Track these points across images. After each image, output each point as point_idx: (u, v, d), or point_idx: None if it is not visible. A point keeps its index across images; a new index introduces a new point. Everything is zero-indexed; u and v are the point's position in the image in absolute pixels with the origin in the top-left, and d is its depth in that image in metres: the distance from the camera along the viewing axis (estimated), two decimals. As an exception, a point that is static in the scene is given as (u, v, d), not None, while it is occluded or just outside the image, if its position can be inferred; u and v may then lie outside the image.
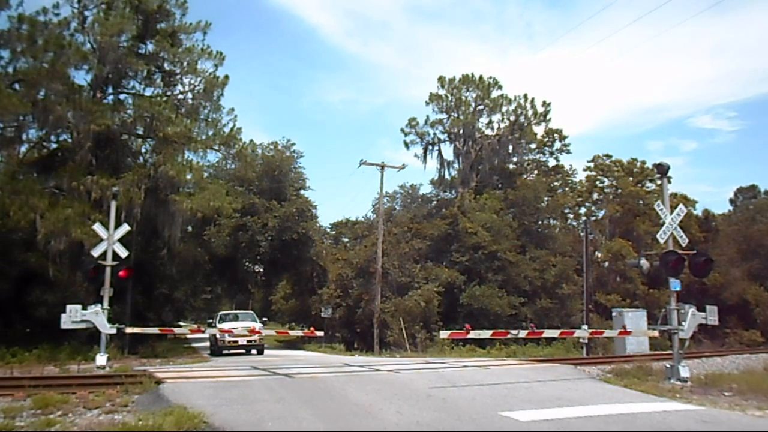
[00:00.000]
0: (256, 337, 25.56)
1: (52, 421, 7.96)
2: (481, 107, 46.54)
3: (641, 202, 46.88)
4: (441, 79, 46.61)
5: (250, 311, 33.02)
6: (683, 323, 13.18)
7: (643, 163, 49.44)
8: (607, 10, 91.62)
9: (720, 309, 14.54)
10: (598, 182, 49.97)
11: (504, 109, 46.25)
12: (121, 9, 26.36)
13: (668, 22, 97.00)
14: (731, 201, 65.32)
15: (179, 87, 29.44)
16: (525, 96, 46.30)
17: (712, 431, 7.35)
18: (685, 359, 13.72)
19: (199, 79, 28.89)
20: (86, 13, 26.72)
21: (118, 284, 17.73)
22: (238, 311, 33.16)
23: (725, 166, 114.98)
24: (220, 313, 30.14)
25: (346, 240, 51.94)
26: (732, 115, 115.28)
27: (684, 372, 12.76)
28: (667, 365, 13.27)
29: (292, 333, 37.70)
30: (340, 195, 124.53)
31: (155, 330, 21.61)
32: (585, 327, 23.88)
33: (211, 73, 28.90)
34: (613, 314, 29.18)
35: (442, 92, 46.49)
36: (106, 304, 16.18)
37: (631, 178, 48.90)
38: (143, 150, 29.38)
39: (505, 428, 7.48)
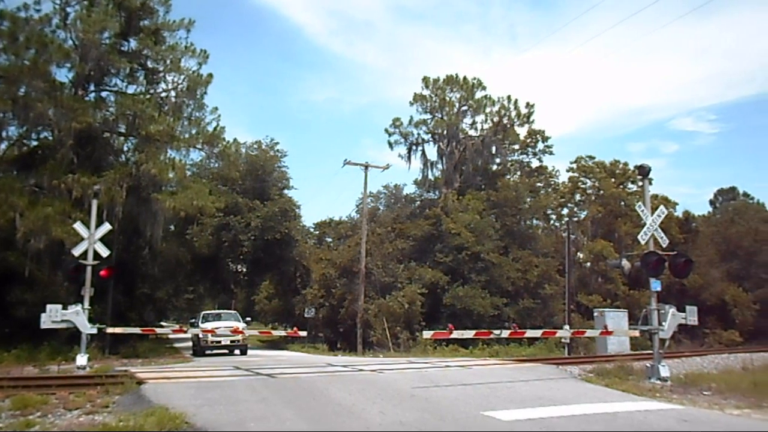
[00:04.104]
0: (239, 337, 25.47)
1: (32, 422, 7.88)
2: (465, 108, 46.64)
3: (623, 203, 47.26)
4: (425, 80, 46.68)
5: (233, 311, 32.89)
6: (663, 323, 13.34)
7: (625, 164, 49.85)
8: (590, 12, 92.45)
9: (699, 309, 14.72)
10: (580, 183, 50.25)
11: (488, 110, 46.39)
12: (104, 6, 26.12)
13: (651, 25, 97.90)
14: (711, 202, 66.27)
15: (162, 85, 29.24)
16: (508, 97, 46.53)
17: (692, 430, 7.44)
18: (666, 359, 13.87)
19: (182, 77, 28.70)
20: (68, 9, 26.45)
21: (99, 284, 17.53)
22: (221, 311, 33.03)
23: (705, 168, 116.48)
24: (203, 312, 30.01)
25: (329, 240, 51.86)
26: (712, 117, 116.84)
27: (664, 371, 12.90)
28: (648, 365, 13.41)
29: (275, 333, 37.59)
30: (323, 195, 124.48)
31: (137, 330, 21.43)
32: (567, 327, 24.06)
33: (195, 71, 28.73)
34: (595, 314, 29.42)
35: (426, 92, 46.57)
36: (86, 304, 16.02)
37: (613, 180, 49.26)
38: (125, 148, 29.15)
39: (488, 428, 7.52)
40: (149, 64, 28.73)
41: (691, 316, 13.70)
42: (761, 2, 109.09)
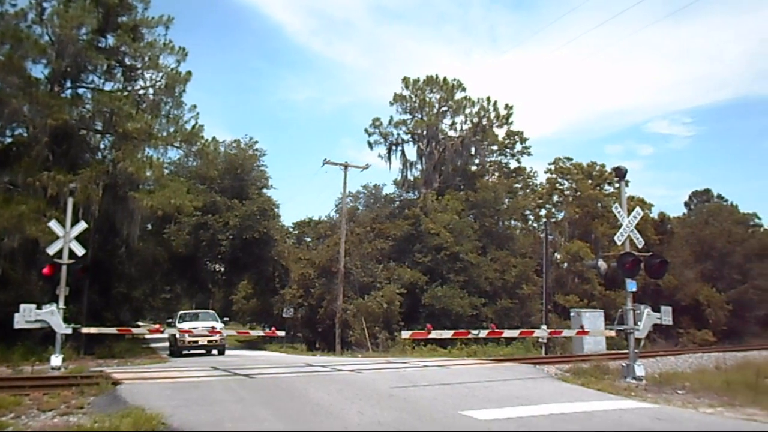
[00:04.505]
0: (216, 337, 25.33)
1: (4, 423, 7.78)
2: (445, 108, 46.83)
3: (600, 204, 47.76)
4: (405, 80, 46.78)
5: (211, 311, 32.67)
6: (639, 323, 13.53)
7: (602, 166, 50.40)
8: (570, 15, 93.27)
9: (674, 309, 14.96)
10: (558, 185, 50.73)
11: (467, 110, 46.66)
12: (81, 1, 25.76)
13: (629, 28, 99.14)
14: (686, 204, 67.07)
15: (140, 82, 28.98)
16: (488, 98, 46.83)
17: (665, 429, 7.55)
18: (641, 358, 14.07)
19: (160, 74, 28.47)
20: (44, 4, 26.06)
21: (74, 283, 17.32)
22: (198, 311, 32.78)
23: (681, 170, 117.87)
24: (180, 312, 29.75)
25: (308, 240, 51.68)
26: (688, 120, 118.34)
27: (639, 371, 13.09)
28: (623, 364, 13.59)
29: (254, 333, 37.36)
30: (303, 194, 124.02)
31: (113, 330, 21.19)
32: (544, 327, 24.24)
33: (174, 68, 28.50)
34: (572, 314, 29.67)
35: (406, 93, 46.68)
36: (61, 304, 15.81)
37: (590, 181, 49.77)
38: (102, 146, 28.80)
39: (466, 427, 7.57)
40: (127, 60, 28.42)
41: (666, 316, 13.92)
42: (737, 8, 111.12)
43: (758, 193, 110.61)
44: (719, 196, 64.65)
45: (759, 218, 61.53)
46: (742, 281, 50.47)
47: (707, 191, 65.88)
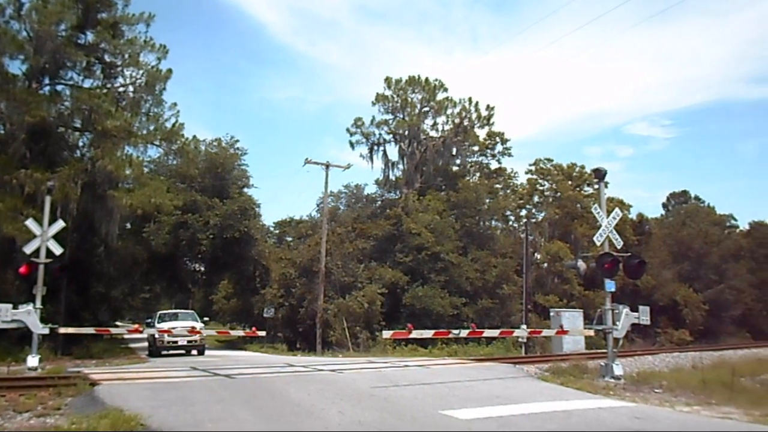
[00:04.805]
0: (196, 337, 25.15)
1: (-20, 424, 7.68)
2: (427, 109, 46.94)
3: (579, 205, 48.14)
4: (387, 80, 46.84)
5: (191, 311, 32.44)
6: (617, 323, 13.68)
7: (582, 167, 50.83)
8: (551, 17, 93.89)
9: (652, 309, 15.14)
10: (538, 185, 51.07)
11: (449, 111, 46.83)
12: (60, -4, 25.51)
13: (610, 31, 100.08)
14: (664, 205, 67.89)
15: (120, 79, 28.75)
16: (469, 99, 47.02)
17: (643, 427, 7.64)
18: (619, 358, 14.24)
19: (140, 72, 28.25)
20: (23, 0, 25.76)
21: (51, 282, 17.10)
22: (178, 311, 32.50)
23: (659, 171, 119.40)
24: (160, 312, 29.50)
25: (289, 239, 51.50)
26: (666, 123, 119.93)
27: (618, 370, 13.24)
28: (602, 363, 13.73)
29: (234, 333, 37.15)
30: (284, 194, 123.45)
31: (91, 330, 20.97)
32: (524, 326, 24.38)
33: (154, 66, 28.30)
34: (551, 314, 29.90)
35: (388, 93, 46.74)
36: (38, 303, 15.61)
37: (570, 182, 50.18)
38: (81, 144, 28.51)
39: (446, 427, 7.61)
40: (107, 57, 28.17)
41: (644, 315, 14.08)
42: (716, 12, 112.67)
43: (734, 194, 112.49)
44: (696, 198, 65.64)
45: (735, 219, 62.70)
46: (719, 281, 51.19)
47: (685, 193, 66.80)
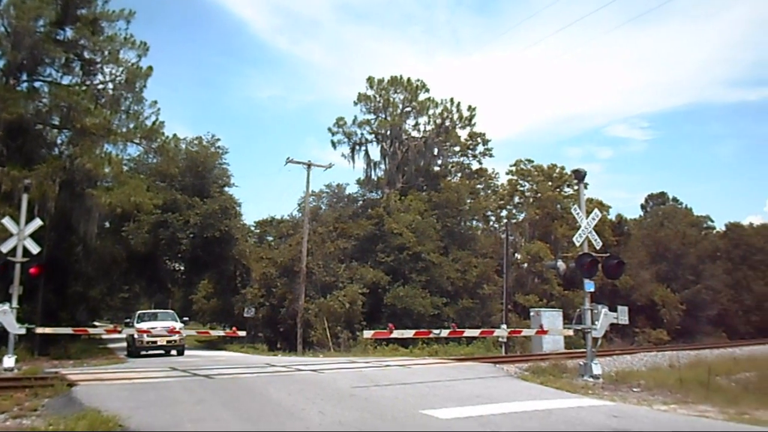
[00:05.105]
0: (176, 337, 24.97)
1: (-46, 426, 7.57)
2: (409, 109, 47.01)
3: (559, 206, 48.53)
4: (370, 80, 46.86)
5: (170, 310, 32.17)
6: (596, 323, 13.80)
7: (562, 168, 51.18)
8: (532, 19, 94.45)
9: (630, 309, 15.32)
10: (519, 186, 51.38)
11: (430, 111, 46.93)
12: (39, -8, 25.20)
13: (590, 33, 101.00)
14: (642, 207, 68.53)
15: (99, 76, 28.48)
16: (451, 100, 47.17)
17: (621, 426, 7.73)
18: (598, 357, 14.36)
19: (120, 69, 28.01)
20: (0, -6, 25.42)
21: (28, 282, 16.94)
22: (157, 310, 32.22)
23: (637, 173, 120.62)
24: (139, 312, 29.23)
25: (270, 239, 51.25)
26: (645, 125, 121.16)
27: (596, 369, 13.35)
28: (581, 363, 13.85)
29: (214, 333, 36.91)
30: (265, 193, 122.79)
31: (68, 330, 20.70)
32: (504, 326, 24.50)
33: (134, 63, 28.10)
34: (531, 314, 30.09)
35: (370, 93, 46.76)
36: (15, 303, 15.42)
37: (550, 183, 50.54)
38: (59, 141, 28.20)
39: (427, 426, 7.64)
40: (86, 54, 27.89)
41: (623, 315, 14.23)
42: (694, 16, 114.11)
43: (711, 196, 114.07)
44: (674, 199, 66.43)
45: (712, 221, 63.61)
46: (696, 282, 51.89)
47: (663, 194, 67.54)
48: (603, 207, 48.86)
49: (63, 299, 29.69)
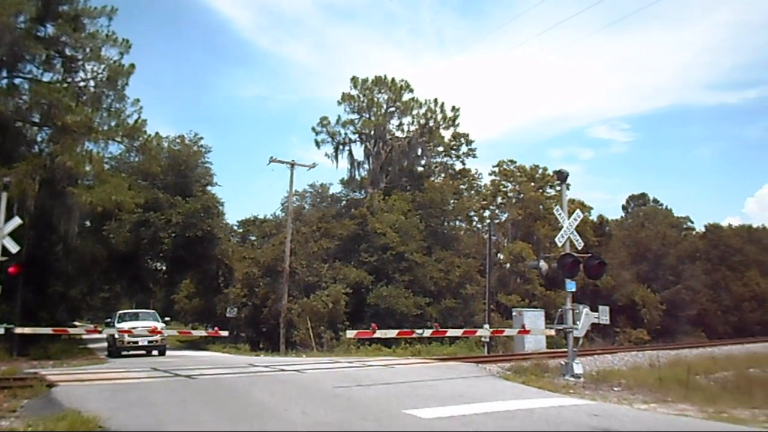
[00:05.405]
0: (157, 337, 24.78)
1: (-69, 428, 7.46)
2: (393, 109, 47.01)
3: (541, 206, 48.80)
4: (354, 80, 46.77)
5: (152, 310, 31.95)
6: (578, 322, 13.93)
7: (545, 169, 51.54)
8: (515, 22, 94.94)
9: (611, 309, 15.50)
10: (502, 187, 51.61)
11: (414, 112, 46.92)
12: (19, -12, 24.89)
13: (573, 36, 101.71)
14: (623, 207, 69.13)
15: (81, 74, 28.18)
16: (435, 100, 47.22)
17: (601, 424, 7.81)
18: (579, 357, 14.50)
19: (102, 66, 27.75)
20: (-21, -10, 25.06)
21: (7, 281, 16.76)
22: (138, 310, 31.96)
23: (619, 174, 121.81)
24: (119, 312, 28.99)
25: (253, 238, 51.01)
26: (626, 127, 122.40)
27: (578, 369, 13.47)
28: (563, 362, 13.96)
29: (196, 333, 36.66)
30: (248, 192, 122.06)
31: (48, 330, 20.55)
32: (487, 326, 24.68)
33: (116, 61, 27.82)
34: (513, 314, 30.28)
35: (354, 92, 46.65)
36: (-7, 303, 15.25)
37: (532, 184, 50.84)
38: (39, 139, 27.90)
39: (409, 426, 7.66)
40: (67, 51, 27.58)
41: (604, 315, 14.38)
42: (674, 19, 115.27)
43: (691, 197, 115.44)
44: (655, 200, 67.08)
45: (691, 222, 64.38)
46: (675, 282, 52.47)
47: (643, 195, 68.18)
48: (585, 208, 49.26)
49: (43, 299, 29.37)
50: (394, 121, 47.42)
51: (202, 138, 42.98)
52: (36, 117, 26.45)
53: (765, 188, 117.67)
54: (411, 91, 46.91)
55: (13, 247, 16.21)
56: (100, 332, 23.47)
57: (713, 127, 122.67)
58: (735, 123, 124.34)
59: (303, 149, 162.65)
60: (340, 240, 40.18)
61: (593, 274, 14.94)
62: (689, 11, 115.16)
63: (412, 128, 46.98)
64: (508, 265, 46.28)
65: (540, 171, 51.79)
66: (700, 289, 52.92)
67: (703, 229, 61.76)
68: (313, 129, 46.95)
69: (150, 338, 24.65)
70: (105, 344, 28.55)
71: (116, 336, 24.33)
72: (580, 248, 14.37)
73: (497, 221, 50.38)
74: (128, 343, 24.36)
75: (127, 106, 28.39)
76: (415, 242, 39.18)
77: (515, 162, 52.40)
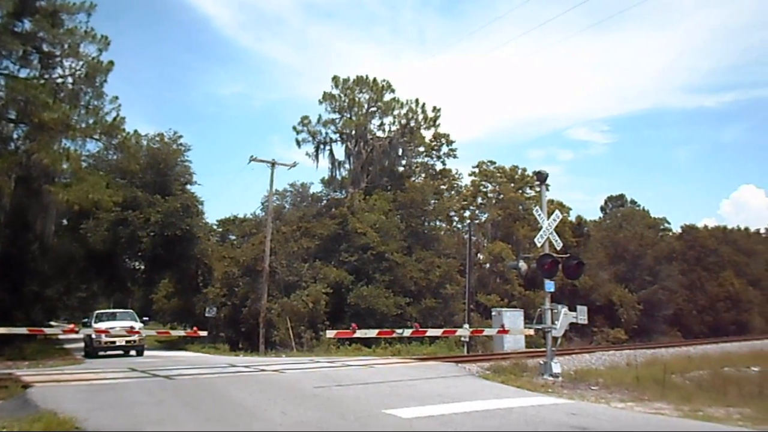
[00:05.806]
0: (135, 337, 24.57)
1: None
2: (374, 109, 47.01)
3: (521, 207, 49.14)
4: (335, 79, 46.69)
5: (130, 310, 31.67)
6: (556, 322, 14.06)
7: (524, 170, 51.86)
8: (496, 23, 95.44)
9: (589, 309, 15.64)
10: (482, 187, 51.87)
11: (395, 112, 46.95)
12: (-5, -17, 24.54)
13: (553, 37, 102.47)
14: (602, 208, 69.79)
15: (58, 70, 27.82)
16: (416, 100, 47.29)
17: (579, 423, 7.89)
18: (558, 356, 14.62)
19: (80, 63, 27.42)
20: (-47, -16, 24.66)
21: (-19, 280, 16.50)
22: (116, 310, 31.69)
23: (597, 175, 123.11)
24: (97, 312, 28.71)
25: (233, 238, 50.77)
26: (605, 128, 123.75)
27: (556, 368, 13.60)
28: (541, 362, 14.08)
29: (174, 333, 36.37)
30: (228, 191, 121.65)
31: (23, 330, 20.09)
32: (466, 326, 24.82)
33: (95, 57, 27.49)
34: (493, 314, 30.41)
35: (335, 92, 46.57)
36: (-33, 302, 15.01)
37: (512, 185, 51.15)
38: (15, 136, 27.45)
39: (389, 426, 7.67)
40: (45, 47, 27.21)
41: (582, 315, 14.51)
42: (654, 22, 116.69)
43: (668, 199, 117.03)
44: (632, 202, 67.84)
45: (668, 223, 65.16)
46: (652, 282, 53.03)
47: (621, 196, 68.94)
48: (564, 208, 49.64)
49: (18, 298, 29.01)
50: (375, 121, 47.47)
51: (181, 136, 42.64)
52: (12, 114, 26.07)
53: (740, 190, 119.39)
54: (392, 91, 47.00)
55: (-12, 246, 15.99)
56: (76, 332, 23.16)
57: (690, 129, 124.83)
58: (712, 126, 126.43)
59: (284, 148, 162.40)
60: (321, 240, 40.09)
61: (572, 275, 15.08)
62: (669, 15, 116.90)
63: (393, 128, 47.04)
64: (487, 265, 46.52)
65: (520, 172, 52.13)
66: (677, 290, 53.57)
67: (680, 230, 62.51)
68: (294, 128, 46.83)
69: (128, 338, 24.43)
70: (82, 344, 28.24)
71: (93, 336, 24.04)
72: (558, 249, 14.51)
73: (477, 221, 50.63)
74: (105, 343, 24.11)
75: (105, 104, 28.12)
76: (396, 242, 39.21)
77: (495, 163, 52.83)
